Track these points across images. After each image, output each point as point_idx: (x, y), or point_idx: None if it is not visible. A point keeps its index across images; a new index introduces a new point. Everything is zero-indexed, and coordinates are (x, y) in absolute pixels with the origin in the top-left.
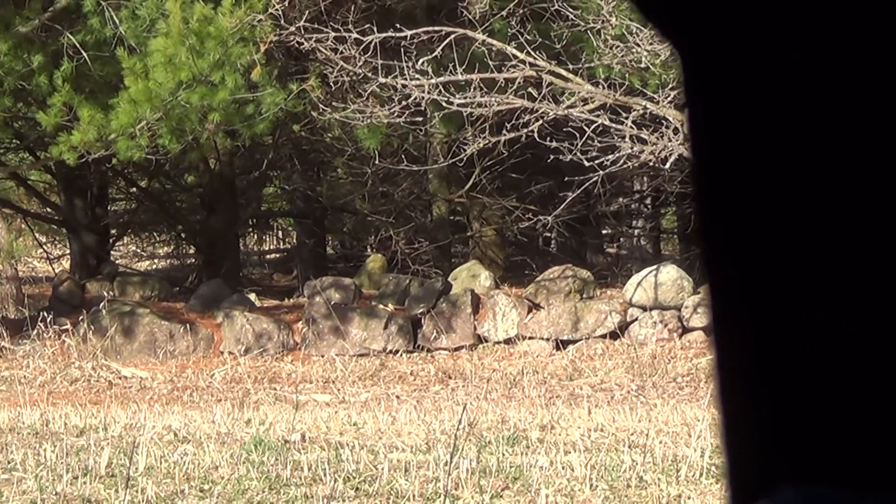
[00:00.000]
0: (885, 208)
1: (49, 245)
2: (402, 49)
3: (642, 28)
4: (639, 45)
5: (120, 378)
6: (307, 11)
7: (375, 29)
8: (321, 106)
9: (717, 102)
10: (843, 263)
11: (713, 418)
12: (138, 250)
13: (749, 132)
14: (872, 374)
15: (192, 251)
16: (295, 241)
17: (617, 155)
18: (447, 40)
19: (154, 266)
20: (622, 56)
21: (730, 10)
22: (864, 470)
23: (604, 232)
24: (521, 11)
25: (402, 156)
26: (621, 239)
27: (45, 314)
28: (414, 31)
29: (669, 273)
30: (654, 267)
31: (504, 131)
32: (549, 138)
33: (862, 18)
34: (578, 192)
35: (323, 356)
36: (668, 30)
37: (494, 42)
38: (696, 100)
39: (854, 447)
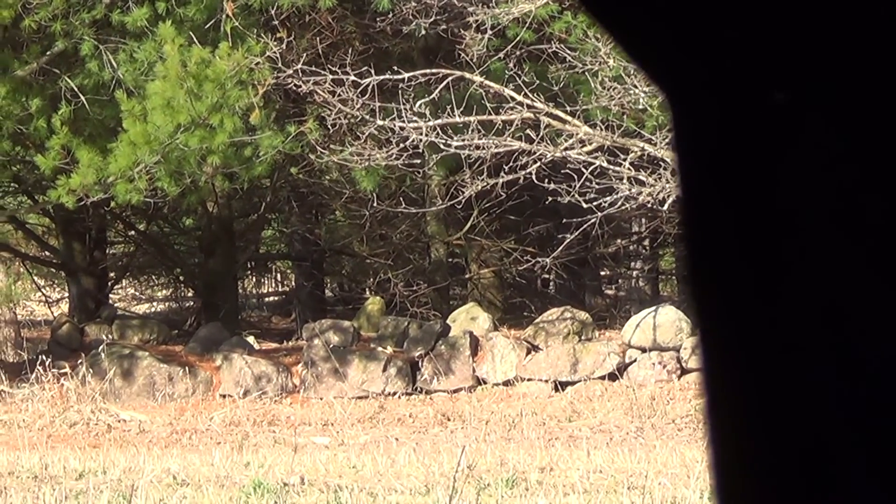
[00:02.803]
0: (876, 250)
1: (48, 288)
2: (399, 91)
3: (638, 70)
4: (636, 87)
5: (119, 421)
6: (305, 54)
7: (373, 71)
8: (319, 148)
9: (707, 147)
10: (834, 311)
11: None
12: (137, 293)
13: (738, 176)
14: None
15: (190, 294)
16: (293, 283)
17: (615, 196)
18: (444, 82)
19: (153, 309)
20: (619, 97)
21: (719, 54)
22: None
23: (602, 273)
24: (517, 53)
25: (401, 198)
26: (620, 280)
27: (44, 357)
28: (411, 74)
29: (668, 314)
30: (653, 308)
31: (502, 173)
32: (546, 180)
33: (850, 60)
34: (577, 233)
35: (322, 399)
36: (660, 77)
37: (492, 84)
38: (686, 145)
39: (853, 495)
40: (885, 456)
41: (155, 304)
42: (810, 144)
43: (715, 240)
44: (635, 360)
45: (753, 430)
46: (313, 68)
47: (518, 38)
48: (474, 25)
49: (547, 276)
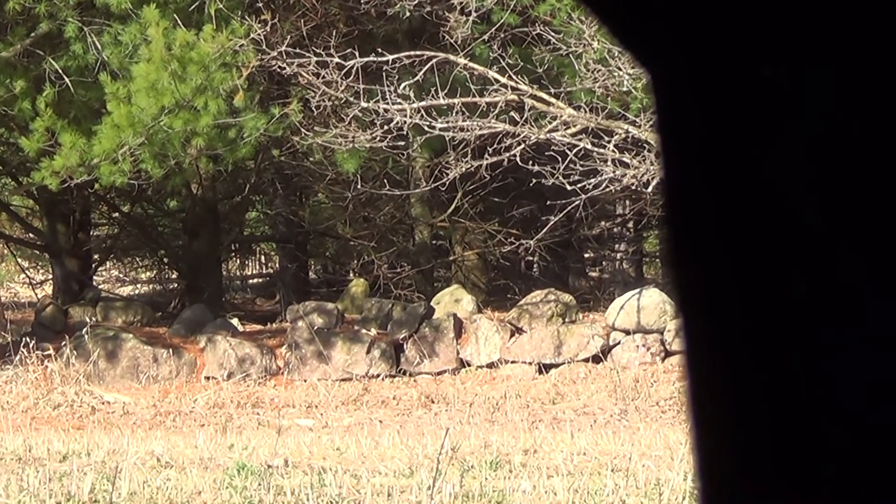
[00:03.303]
0: (856, 228)
1: (32, 270)
2: (383, 73)
3: (623, 52)
4: (620, 69)
5: (103, 403)
6: (289, 36)
7: (357, 53)
8: (303, 130)
9: (689, 129)
10: (823, 290)
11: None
12: (121, 275)
13: (720, 159)
14: (842, 397)
15: (174, 276)
16: (277, 265)
17: (599, 179)
18: (429, 65)
19: (137, 291)
20: (604, 80)
21: (702, 35)
22: (838, 490)
23: (586, 256)
24: (502, 36)
25: (384, 180)
26: (604, 263)
27: (28, 339)
28: (395, 56)
29: (652, 296)
30: (637, 290)
31: (486, 155)
32: (531, 162)
33: (834, 36)
34: (561, 216)
35: (306, 381)
36: (638, 50)
37: (476, 66)
38: (668, 127)
39: (826, 467)
40: (860, 438)
41: (139, 286)
42: (794, 127)
43: (696, 222)
44: (619, 343)
45: (733, 412)
46: (297, 50)
47: (502, 21)
48: (459, 8)
49: (531, 258)
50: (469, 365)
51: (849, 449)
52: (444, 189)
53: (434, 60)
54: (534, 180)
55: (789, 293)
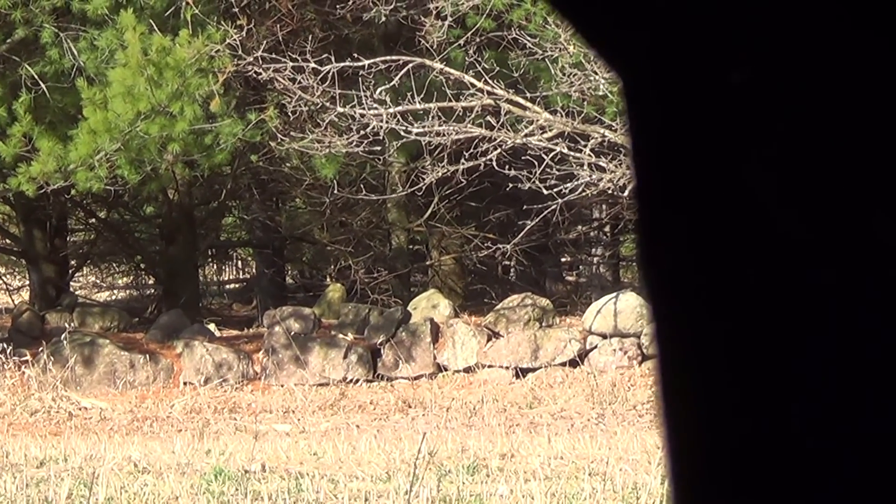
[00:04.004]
0: (829, 232)
1: (8, 276)
2: (359, 78)
3: (597, 57)
4: (596, 73)
5: (80, 409)
6: (265, 41)
7: (333, 58)
8: (279, 136)
9: (659, 129)
10: (792, 293)
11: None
12: (98, 281)
13: (691, 156)
14: (811, 397)
15: (151, 281)
16: (254, 271)
17: (575, 183)
18: (405, 69)
19: (114, 297)
20: (580, 84)
21: (671, 32)
22: (805, 488)
23: (563, 260)
24: (478, 40)
25: (361, 185)
26: (580, 267)
27: (5, 345)
28: (371, 61)
29: (629, 300)
30: (614, 294)
31: (462, 160)
32: (507, 167)
33: (807, 39)
34: (537, 220)
35: (283, 386)
36: (611, 56)
37: (452, 71)
38: (637, 130)
39: (796, 466)
40: (832, 443)
41: (116, 291)
42: (760, 130)
43: (665, 227)
44: (596, 347)
45: (704, 417)
46: (273, 56)
47: (477, 26)
48: (434, 12)
49: (508, 262)
50: (446, 369)
51: (821, 452)
52: (420, 194)
53: (410, 65)
54: (510, 185)
55: (761, 297)
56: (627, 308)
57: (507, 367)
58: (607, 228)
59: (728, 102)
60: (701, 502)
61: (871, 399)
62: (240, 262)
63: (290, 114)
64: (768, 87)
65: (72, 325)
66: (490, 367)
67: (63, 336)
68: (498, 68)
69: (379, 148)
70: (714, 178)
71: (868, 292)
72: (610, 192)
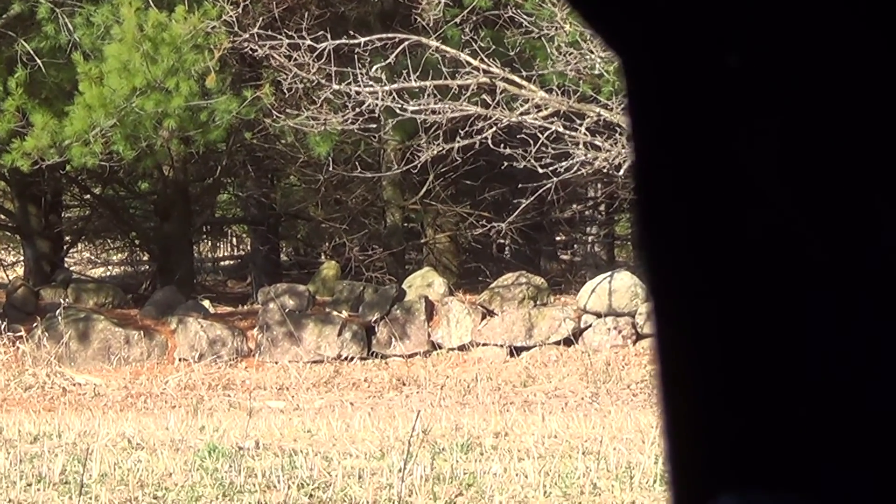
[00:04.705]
0: (821, 213)
1: (3, 252)
2: (355, 56)
3: (594, 35)
4: (592, 52)
5: (74, 385)
6: (261, 18)
7: (329, 36)
8: (275, 113)
9: (657, 110)
10: (779, 271)
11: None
12: (92, 257)
13: (688, 139)
14: (810, 380)
15: (146, 258)
16: (249, 247)
17: (571, 162)
18: (401, 47)
19: (108, 273)
20: (576, 63)
21: (670, 11)
22: (805, 475)
23: (558, 239)
24: (474, 18)
25: (356, 163)
26: (575, 245)
27: None
28: (368, 38)
29: (623, 279)
30: (609, 273)
31: (458, 138)
32: (502, 145)
33: (805, 21)
34: (532, 198)
35: (277, 363)
36: (609, 35)
37: (448, 49)
38: (636, 109)
39: (795, 452)
40: (830, 423)
41: (110, 267)
42: (760, 112)
43: (663, 206)
44: (591, 326)
45: (701, 397)
46: (269, 32)
47: (474, 4)
48: None
49: (502, 241)
50: (440, 347)
51: (819, 433)
52: (415, 172)
53: (406, 43)
54: (505, 163)
55: (757, 276)
56: (622, 287)
57: (502, 346)
58: (602, 207)
59: (726, 85)
60: (701, 491)
61: (870, 385)
62: (234, 239)
63: (285, 91)
64: (766, 69)
65: (66, 300)
66: (484, 345)
67: (57, 312)
68: (494, 47)
69: (374, 126)
70: (711, 161)
71: (866, 276)
72: (605, 170)
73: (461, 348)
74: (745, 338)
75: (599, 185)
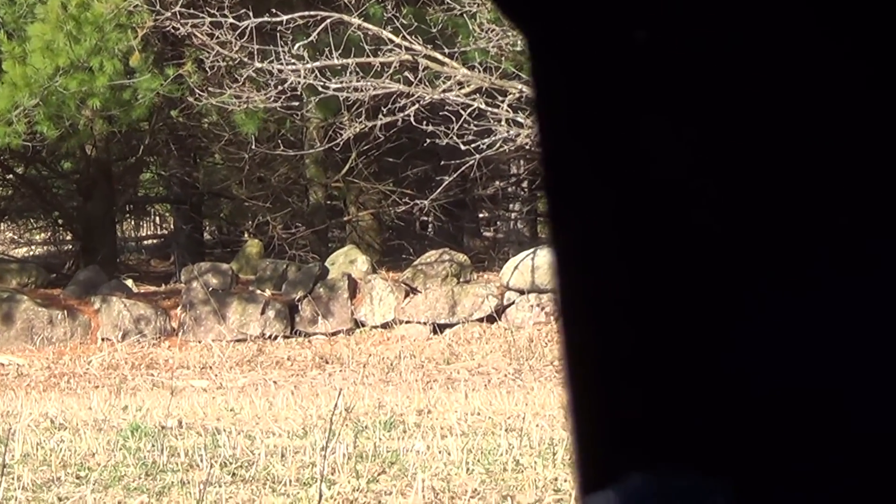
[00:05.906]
0: (739, 195)
1: None
2: (278, 34)
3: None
4: (514, 29)
5: None
6: None
7: (251, 14)
8: (198, 91)
9: (561, 88)
10: (690, 255)
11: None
12: (15, 237)
13: (593, 119)
14: (718, 359)
15: (69, 237)
16: (172, 226)
17: (493, 139)
18: (323, 25)
19: (31, 253)
20: (498, 40)
21: None
22: (713, 455)
23: (480, 216)
24: None
25: (279, 141)
26: (498, 223)
27: None
28: (290, 16)
29: (546, 256)
30: (531, 250)
31: (380, 116)
32: (425, 122)
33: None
34: (455, 175)
35: (200, 342)
36: (513, 13)
37: (370, 26)
38: (541, 86)
39: (701, 432)
40: (735, 405)
41: (33, 247)
42: (668, 91)
43: (571, 188)
44: (513, 303)
45: (608, 374)
46: (192, 11)
47: None
48: None
49: (425, 218)
50: (363, 325)
51: (722, 414)
52: (338, 150)
53: (328, 21)
54: (428, 140)
55: (662, 254)
56: (545, 264)
57: (425, 323)
58: (525, 184)
59: (633, 62)
60: (609, 470)
61: (788, 357)
62: (157, 218)
63: (208, 69)
64: (676, 46)
65: None
66: (408, 322)
67: None
68: (416, 24)
69: (297, 104)
70: (618, 143)
71: (767, 262)
72: (528, 147)
73: (384, 326)
74: (651, 317)
75: (522, 162)
